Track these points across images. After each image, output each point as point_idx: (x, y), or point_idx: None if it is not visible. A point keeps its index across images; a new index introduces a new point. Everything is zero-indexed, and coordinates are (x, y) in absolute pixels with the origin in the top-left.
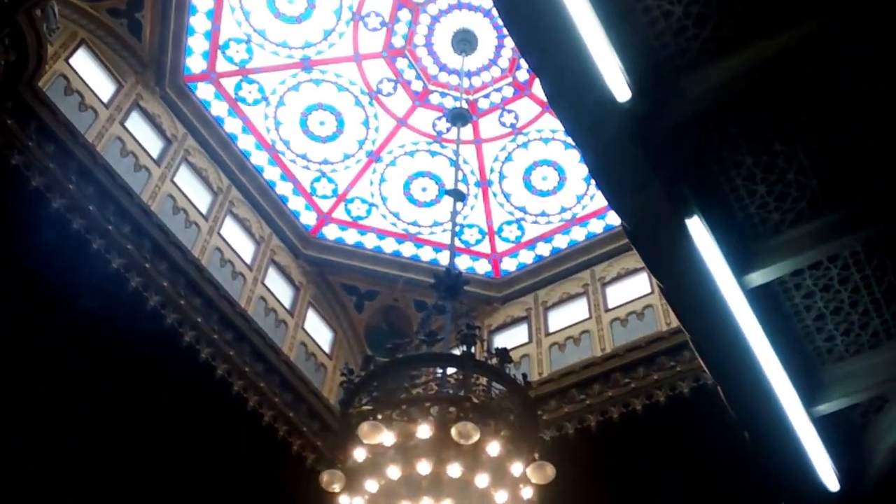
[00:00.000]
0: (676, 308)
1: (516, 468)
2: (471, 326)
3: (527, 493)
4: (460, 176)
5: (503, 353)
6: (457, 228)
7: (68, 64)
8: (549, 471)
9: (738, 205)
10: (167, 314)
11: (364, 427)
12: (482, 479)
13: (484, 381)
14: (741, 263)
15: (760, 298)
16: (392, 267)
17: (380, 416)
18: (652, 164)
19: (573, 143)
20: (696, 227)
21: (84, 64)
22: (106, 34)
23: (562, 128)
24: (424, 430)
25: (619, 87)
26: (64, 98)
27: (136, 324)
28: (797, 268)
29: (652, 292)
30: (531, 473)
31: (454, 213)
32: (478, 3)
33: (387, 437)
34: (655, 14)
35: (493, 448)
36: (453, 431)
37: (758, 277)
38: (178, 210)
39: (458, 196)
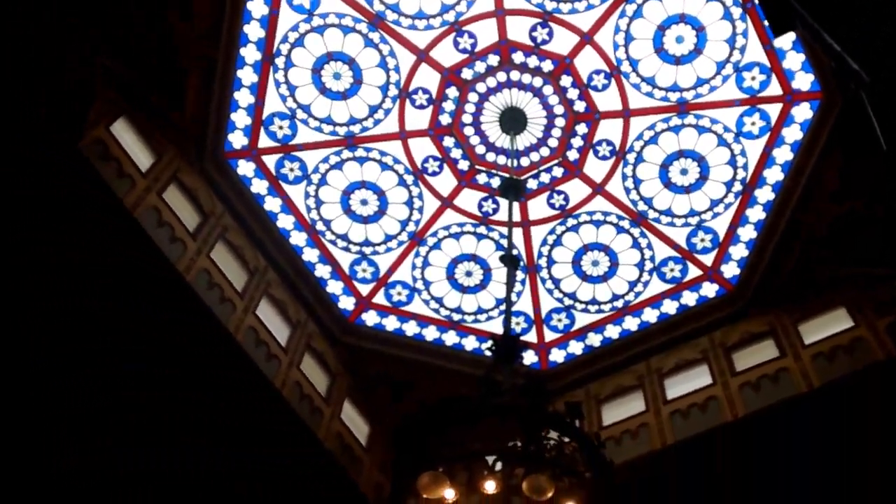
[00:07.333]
0: None
1: None
2: (535, 379)
3: None
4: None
5: (574, 408)
6: (513, 297)
7: (109, 131)
8: None
9: None
10: None
11: (424, 479)
12: None
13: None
14: None
15: None
16: (433, 356)
17: (441, 469)
18: None
19: None
20: None
21: (124, 132)
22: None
23: (615, 210)
24: (491, 486)
25: None
26: (103, 163)
27: None
28: None
29: (714, 383)
30: None
31: (511, 281)
32: (527, 80)
33: (449, 493)
34: None
35: None
36: (525, 486)
37: None
38: (213, 286)
39: (514, 263)
